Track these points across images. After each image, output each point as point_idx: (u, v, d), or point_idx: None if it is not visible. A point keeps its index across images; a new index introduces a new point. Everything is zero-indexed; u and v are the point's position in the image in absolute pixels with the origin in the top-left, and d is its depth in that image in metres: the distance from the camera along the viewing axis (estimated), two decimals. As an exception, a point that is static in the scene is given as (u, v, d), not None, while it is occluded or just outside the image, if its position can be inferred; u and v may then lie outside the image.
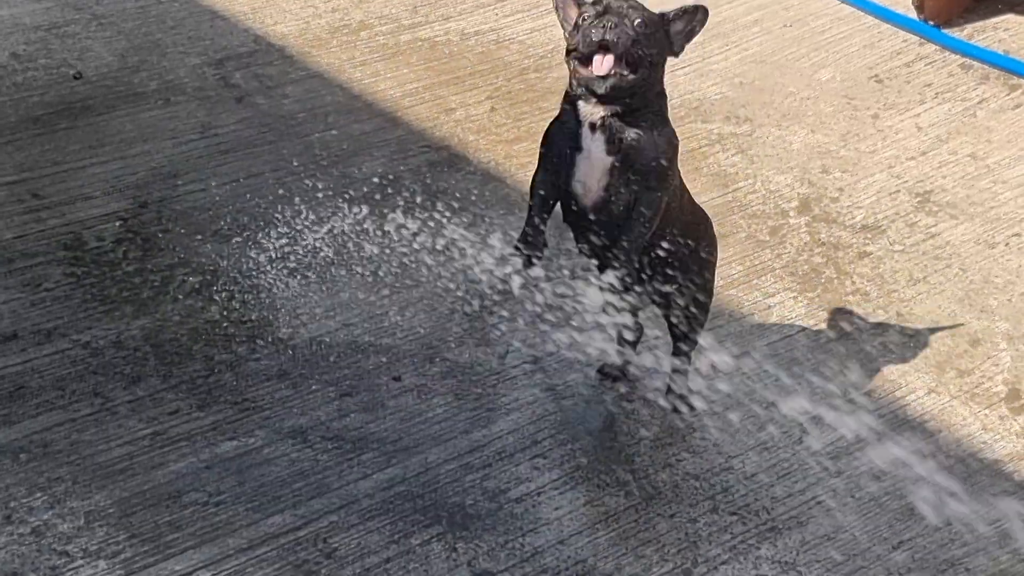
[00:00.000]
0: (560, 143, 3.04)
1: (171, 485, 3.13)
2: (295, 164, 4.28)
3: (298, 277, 3.80)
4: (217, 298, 3.71)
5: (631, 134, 2.97)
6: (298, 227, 3.99)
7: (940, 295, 3.85)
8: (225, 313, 3.66)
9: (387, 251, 3.93)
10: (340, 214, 4.06)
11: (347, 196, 4.12)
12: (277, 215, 4.04)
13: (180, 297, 3.71)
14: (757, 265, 3.97)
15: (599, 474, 3.24)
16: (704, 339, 3.69)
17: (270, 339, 3.58)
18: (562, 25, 3.03)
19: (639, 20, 2.91)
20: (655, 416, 3.41)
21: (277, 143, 4.38)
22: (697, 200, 3.36)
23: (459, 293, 3.78)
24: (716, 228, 3.33)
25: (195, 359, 3.51)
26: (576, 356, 3.59)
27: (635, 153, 2.98)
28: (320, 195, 4.12)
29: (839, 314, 3.79)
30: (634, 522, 3.11)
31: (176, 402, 3.37)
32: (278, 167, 4.27)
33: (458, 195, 4.15)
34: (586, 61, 2.93)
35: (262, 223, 4.00)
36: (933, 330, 3.73)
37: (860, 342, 3.68)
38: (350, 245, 3.94)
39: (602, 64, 2.89)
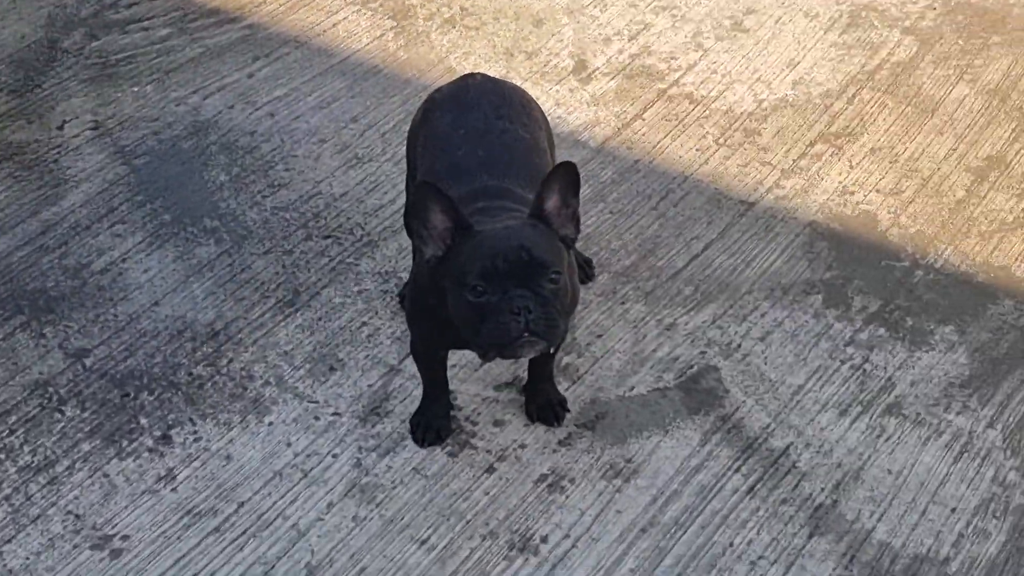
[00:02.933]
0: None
1: None
2: None
3: None
4: None
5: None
6: None
7: (500, -17, 3.82)
8: None
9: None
10: None
11: None
12: None
13: None
14: (316, -15, 3.82)
15: (185, 227, 3.10)
16: (272, 67, 3.56)
17: None
18: (418, 231, 2.30)
19: (552, 273, 2.24)
20: (234, 160, 3.28)
21: None
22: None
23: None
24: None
25: None
26: (142, 113, 3.39)
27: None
28: None
29: (405, 20, 3.71)
30: (229, 267, 3.00)
31: None
32: None
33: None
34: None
35: None
36: (498, 19, 3.71)
37: (429, 44, 3.63)
38: None
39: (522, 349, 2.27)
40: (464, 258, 2.26)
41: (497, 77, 2.70)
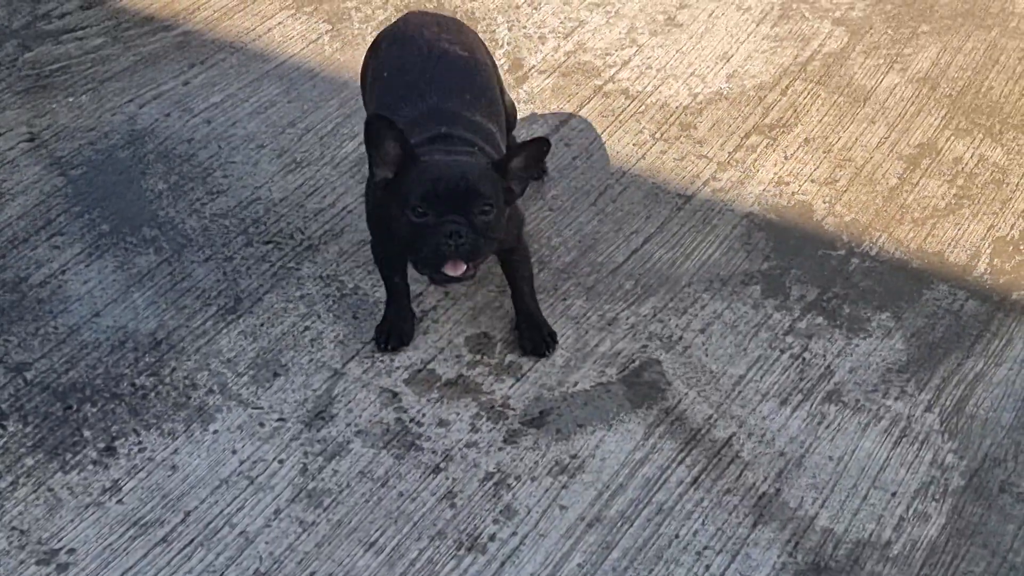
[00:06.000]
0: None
1: None
2: None
3: None
4: None
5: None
6: None
7: (434, -17, 3.83)
8: None
9: None
10: None
11: None
12: None
13: None
14: (250, -10, 3.81)
15: (124, 237, 3.09)
16: (208, 74, 3.55)
17: None
18: (371, 155, 2.50)
19: (485, 205, 2.47)
20: (172, 168, 3.26)
21: None
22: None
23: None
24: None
25: None
26: (78, 123, 3.37)
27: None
28: None
29: (340, 23, 3.71)
30: (169, 275, 2.99)
31: None
32: None
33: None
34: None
35: None
36: (433, 19, 3.72)
37: (365, 46, 3.63)
38: None
39: (455, 269, 2.50)
40: (409, 181, 2.48)
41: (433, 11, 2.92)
